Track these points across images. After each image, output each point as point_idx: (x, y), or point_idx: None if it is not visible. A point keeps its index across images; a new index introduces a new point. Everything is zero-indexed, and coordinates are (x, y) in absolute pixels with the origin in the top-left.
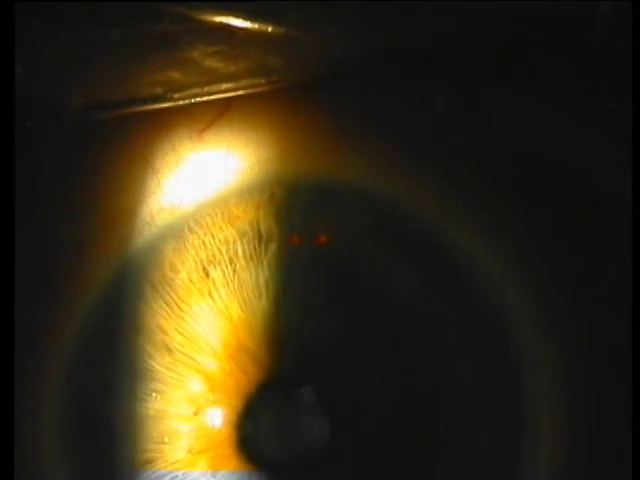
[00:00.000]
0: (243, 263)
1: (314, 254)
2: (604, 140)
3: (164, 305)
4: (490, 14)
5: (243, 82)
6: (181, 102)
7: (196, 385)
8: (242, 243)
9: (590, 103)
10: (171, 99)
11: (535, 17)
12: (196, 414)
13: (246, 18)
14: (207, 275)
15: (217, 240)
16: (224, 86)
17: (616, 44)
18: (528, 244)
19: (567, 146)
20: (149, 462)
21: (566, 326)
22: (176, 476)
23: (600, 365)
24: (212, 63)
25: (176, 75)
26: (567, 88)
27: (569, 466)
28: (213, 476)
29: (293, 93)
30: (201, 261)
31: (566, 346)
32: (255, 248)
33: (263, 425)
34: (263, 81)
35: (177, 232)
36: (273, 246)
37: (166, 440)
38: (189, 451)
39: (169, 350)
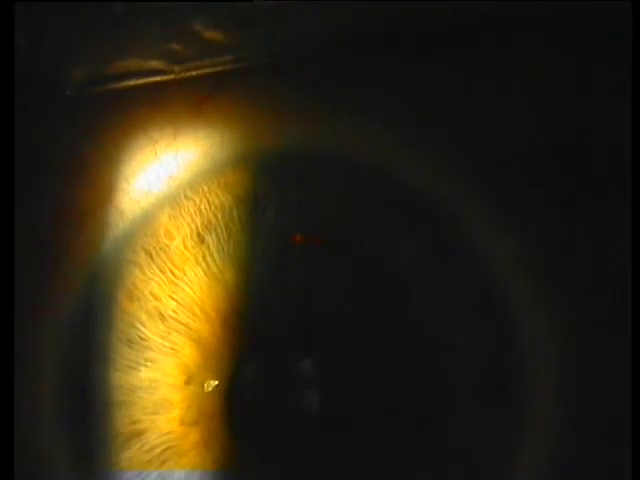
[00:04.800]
0: (238, 229)
1: (310, 221)
2: (604, 138)
3: (158, 272)
4: (490, 13)
5: (243, 55)
6: (181, 74)
7: (190, 353)
8: (237, 209)
9: (590, 103)
10: (171, 71)
11: (535, 17)
12: (189, 383)
13: None
14: (202, 241)
15: (213, 207)
16: (224, 58)
17: (616, 44)
18: (528, 216)
19: (567, 144)
20: (141, 433)
21: (566, 301)
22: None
23: (600, 336)
24: (212, 35)
25: (177, 47)
26: (567, 87)
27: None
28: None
29: (293, 66)
30: (196, 227)
31: (566, 320)
32: (250, 215)
33: (257, 395)
34: (263, 54)
35: (173, 200)
36: (268, 212)
37: (159, 411)
38: (181, 422)
39: (162, 317)
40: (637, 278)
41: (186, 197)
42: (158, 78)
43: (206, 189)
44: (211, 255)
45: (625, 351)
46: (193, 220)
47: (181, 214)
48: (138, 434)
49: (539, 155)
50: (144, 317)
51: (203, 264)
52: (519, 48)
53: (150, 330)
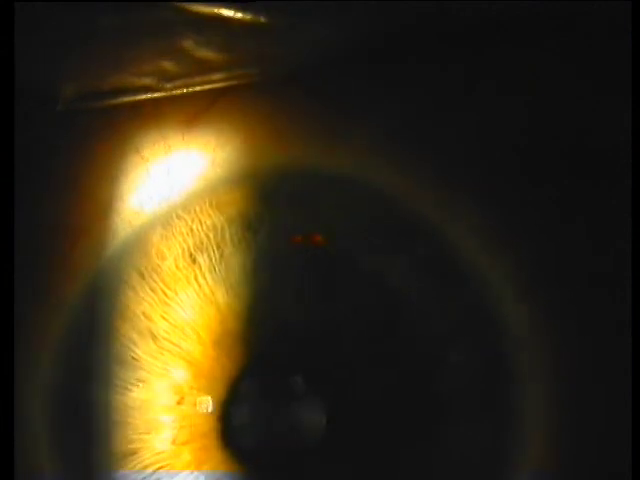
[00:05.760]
0: (230, 249)
1: (303, 241)
2: (604, 139)
3: (150, 292)
4: (491, 14)
5: (234, 72)
6: (172, 92)
7: (181, 373)
8: (229, 230)
9: (590, 103)
10: (162, 89)
11: (535, 17)
12: (180, 403)
13: (238, 8)
14: (194, 261)
15: (205, 227)
16: (215, 76)
17: (616, 44)
18: (523, 233)
19: (567, 144)
20: (134, 453)
21: (560, 316)
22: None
23: (592, 351)
24: (204, 53)
25: (168, 65)
26: (567, 87)
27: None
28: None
29: (284, 83)
30: (188, 247)
31: (559, 333)
32: (243, 235)
33: (249, 414)
34: (254, 71)
35: (165, 219)
36: (261, 233)
37: (150, 431)
38: (173, 442)
39: (154, 337)
40: (637, 278)
41: (178, 217)
42: (149, 95)
43: (198, 209)
44: (203, 275)
45: (625, 360)
46: (185, 240)
47: (173, 234)
48: (131, 454)
49: (539, 155)
50: (136, 337)
51: (195, 284)
52: (519, 48)
53: (142, 350)
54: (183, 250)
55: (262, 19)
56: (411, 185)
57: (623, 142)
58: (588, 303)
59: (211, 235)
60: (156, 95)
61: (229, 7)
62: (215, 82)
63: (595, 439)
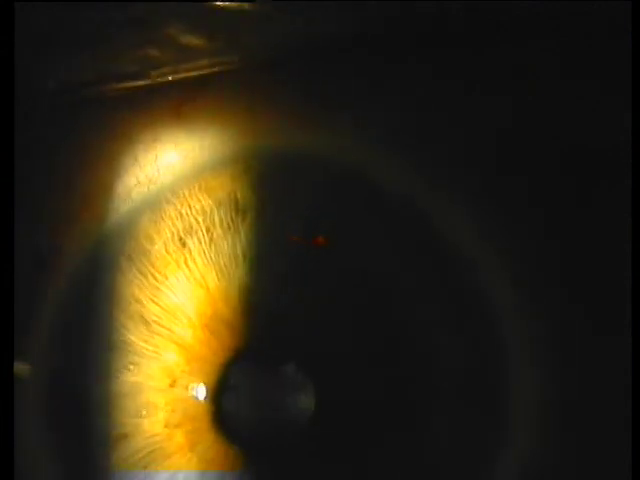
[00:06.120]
0: (220, 232)
1: (291, 225)
2: (604, 138)
3: (140, 276)
4: (492, 11)
5: (219, 59)
6: (159, 79)
7: (173, 356)
8: (219, 213)
9: (590, 103)
10: (148, 77)
11: (535, 18)
12: (172, 386)
13: None
14: (184, 245)
15: (194, 210)
16: (201, 63)
17: (616, 44)
18: (523, 233)
19: (565, 142)
20: (126, 436)
21: (560, 316)
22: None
23: (592, 351)
24: (188, 40)
25: (153, 53)
26: (566, 87)
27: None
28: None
29: (269, 70)
30: (178, 231)
31: (559, 333)
32: (232, 218)
33: (241, 397)
34: (239, 58)
35: (154, 204)
36: (249, 216)
37: (143, 414)
38: (166, 425)
39: (145, 321)
40: (637, 278)
41: (167, 201)
42: (134, 83)
43: (187, 193)
44: (193, 259)
45: (625, 360)
46: (174, 224)
47: (162, 218)
48: (123, 437)
49: (539, 155)
50: (127, 321)
51: (185, 268)
52: (519, 48)
53: (134, 334)
54: (173, 234)
55: (246, 7)
56: (410, 184)
57: (623, 142)
58: (588, 303)
59: (200, 219)
60: (141, 83)
61: None
62: (201, 69)
63: (595, 439)
